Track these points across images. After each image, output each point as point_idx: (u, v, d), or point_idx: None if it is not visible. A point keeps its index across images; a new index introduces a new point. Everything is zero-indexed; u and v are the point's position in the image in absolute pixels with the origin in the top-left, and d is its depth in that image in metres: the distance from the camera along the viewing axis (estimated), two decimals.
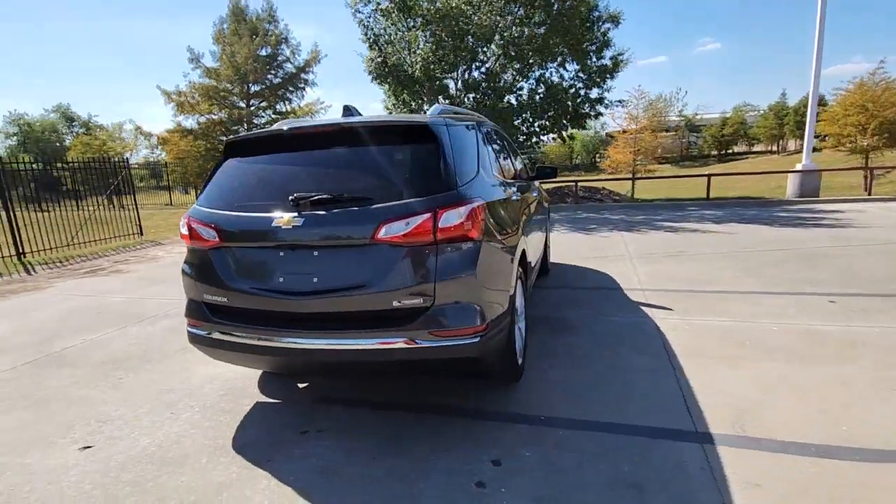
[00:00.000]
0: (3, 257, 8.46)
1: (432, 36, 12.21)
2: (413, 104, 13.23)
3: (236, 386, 3.15)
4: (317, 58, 18.90)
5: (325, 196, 2.21)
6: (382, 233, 2.14)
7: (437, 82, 12.45)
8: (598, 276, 5.56)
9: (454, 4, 11.75)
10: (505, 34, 12.35)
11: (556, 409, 2.65)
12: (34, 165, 9.81)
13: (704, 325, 3.77)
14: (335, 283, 2.24)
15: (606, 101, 14.54)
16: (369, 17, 12.80)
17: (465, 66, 12.86)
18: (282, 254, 2.32)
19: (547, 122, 14.05)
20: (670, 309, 4.22)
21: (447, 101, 12.93)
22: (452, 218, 2.17)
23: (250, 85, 18.00)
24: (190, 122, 18.09)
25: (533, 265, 3.86)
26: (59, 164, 11.68)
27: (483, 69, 13.14)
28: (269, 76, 18.63)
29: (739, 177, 21.41)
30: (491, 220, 2.51)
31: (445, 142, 2.37)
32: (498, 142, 3.84)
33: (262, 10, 18.30)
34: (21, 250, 8.78)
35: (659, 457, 2.18)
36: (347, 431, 2.56)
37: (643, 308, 4.29)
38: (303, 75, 19.16)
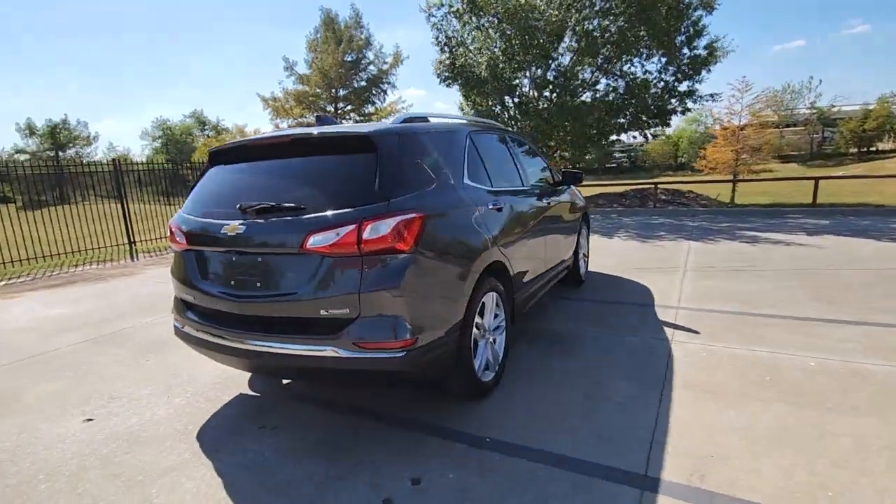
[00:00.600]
0: (117, 245, 9.91)
1: (501, 35, 12.03)
2: (483, 105, 13.16)
3: (231, 376, 3.39)
4: (399, 60, 19.63)
5: (264, 205, 2.32)
6: (310, 242, 2.19)
7: (506, 82, 12.24)
8: (637, 289, 5.13)
9: (524, 1, 11.44)
10: (577, 28, 11.78)
11: (508, 433, 2.51)
12: (142, 165, 11.36)
13: (727, 354, 3.33)
14: (274, 289, 2.34)
15: (697, 95, 13.28)
16: (442, 20, 12.97)
17: (537, 65, 12.48)
18: (234, 258, 2.47)
19: (624, 120, 13.15)
20: (696, 332, 3.78)
21: (516, 100, 12.66)
22: (379, 230, 2.15)
23: (337, 89, 19.16)
24: (284, 126, 19.84)
25: (534, 277, 3.67)
26: (158, 164, 13.35)
27: (555, 66, 12.63)
28: (353, 80, 19.69)
29: (877, 181, 18.31)
30: (442, 231, 2.45)
31: (386, 152, 2.35)
32: (502, 148, 3.73)
33: (349, 17, 19.51)
34: (132, 240, 10.21)
35: (586, 500, 1.98)
36: (299, 430, 2.66)
37: (667, 329, 3.89)
38: (385, 77, 20.05)
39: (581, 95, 12.75)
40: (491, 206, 2.98)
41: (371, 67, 19.87)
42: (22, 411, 3.03)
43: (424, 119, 2.99)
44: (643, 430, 2.47)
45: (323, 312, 2.22)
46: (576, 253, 5.05)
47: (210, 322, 2.55)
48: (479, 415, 2.71)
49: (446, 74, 12.65)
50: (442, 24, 13.04)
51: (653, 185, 12.95)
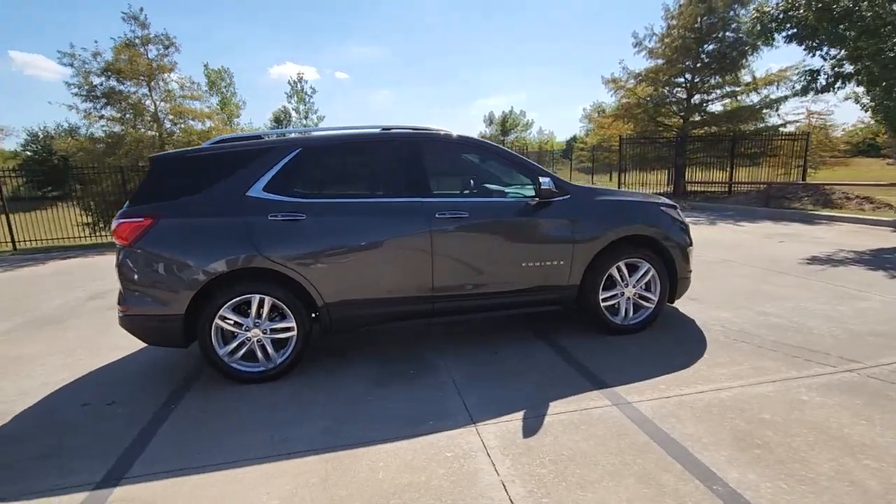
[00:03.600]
0: None
1: None
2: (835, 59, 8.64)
3: None
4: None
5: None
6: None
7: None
8: (671, 362, 3.34)
9: None
10: None
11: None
12: None
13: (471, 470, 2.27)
14: None
15: None
16: None
17: None
18: None
19: None
20: (520, 444, 2.54)
21: (840, 50, 7.51)
22: (114, 226, 3.14)
23: (695, 59, 16.16)
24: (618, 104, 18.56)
25: (381, 297, 3.41)
26: None
27: None
28: (717, 45, 15.97)
29: None
30: (176, 233, 3.13)
31: (152, 170, 3.27)
32: (384, 160, 3.59)
33: None
34: None
35: None
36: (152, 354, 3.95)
37: (518, 420, 2.76)
38: (754, 39, 15.14)
39: None
40: (272, 217, 3.20)
41: (730, 34, 15.65)
42: None
43: (251, 137, 3.47)
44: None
45: None
46: (590, 287, 3.76)
47: None
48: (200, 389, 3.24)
49: (773, 25, 8.92)
50: None
51: None
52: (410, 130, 3.71)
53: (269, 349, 3.32)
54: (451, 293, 3.56)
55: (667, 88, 17.70)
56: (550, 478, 2.19)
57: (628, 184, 17.45)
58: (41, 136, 36.56)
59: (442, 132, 3.76)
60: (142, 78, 12.85)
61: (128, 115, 13.10)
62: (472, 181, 4.01)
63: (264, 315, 3.27)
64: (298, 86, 48.59)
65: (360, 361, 3.61)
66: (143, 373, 3.62)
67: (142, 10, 12.77)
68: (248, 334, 3.26)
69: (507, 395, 3.00)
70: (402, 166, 3.54)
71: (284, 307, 3.27)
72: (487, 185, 3.97)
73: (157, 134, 13.30)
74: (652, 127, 18.40)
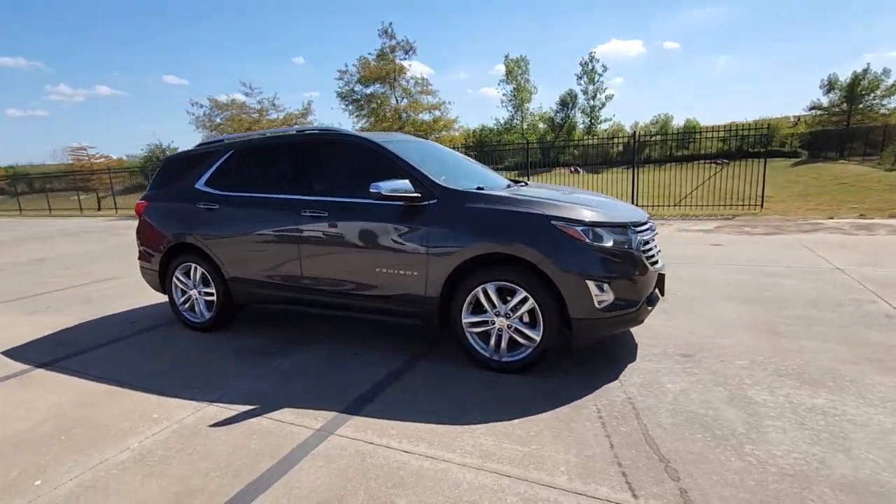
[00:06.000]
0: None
1: None
2: None
3: None
4: None
5: None
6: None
7: None
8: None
9: None
10: None
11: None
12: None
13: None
14: None
15: None
16: None
17: None
18: None
19: None
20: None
21: None
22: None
23: None
24: None
25: (268, 279, 3.92)
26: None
27: None
28: None
29: None
30: (154, 212, 4.46)
31: (163, 165, 4.63)
32: (285, 159, 3.98)
33: None
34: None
35: None
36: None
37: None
38: None
39: None
40: (201, 205, 4.11)
41: None
42: None
43: (216, 142, 4.40)
44: None
45: None
46: (453, 308, 3.31)
47: None
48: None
49: None
50: None
51: None
52: (316, 132, 3.99)
53: (202, 307, 4.33)
54: (315, 287, 3.76)
55: None
56: (152, 462, 2.42)
57: None
58: None
59: (339, 133, 3.90)
60: (387, 80, 15.82)
61: (380, 112, 16.39)
62: (364, 180, 3.93)
63: (198, 279, 4.29)
64: (589, 66, 47.93)
65: (261, 337, 4.17)
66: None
67: (391, 24, 15.66)
68: (191, 292, 4.35)
69: (277, 390, 3.14)
70: (293, 165, 3.89)
71: (209, 276, 4.20)
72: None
73: (396, 127, 16.21)
74: None
